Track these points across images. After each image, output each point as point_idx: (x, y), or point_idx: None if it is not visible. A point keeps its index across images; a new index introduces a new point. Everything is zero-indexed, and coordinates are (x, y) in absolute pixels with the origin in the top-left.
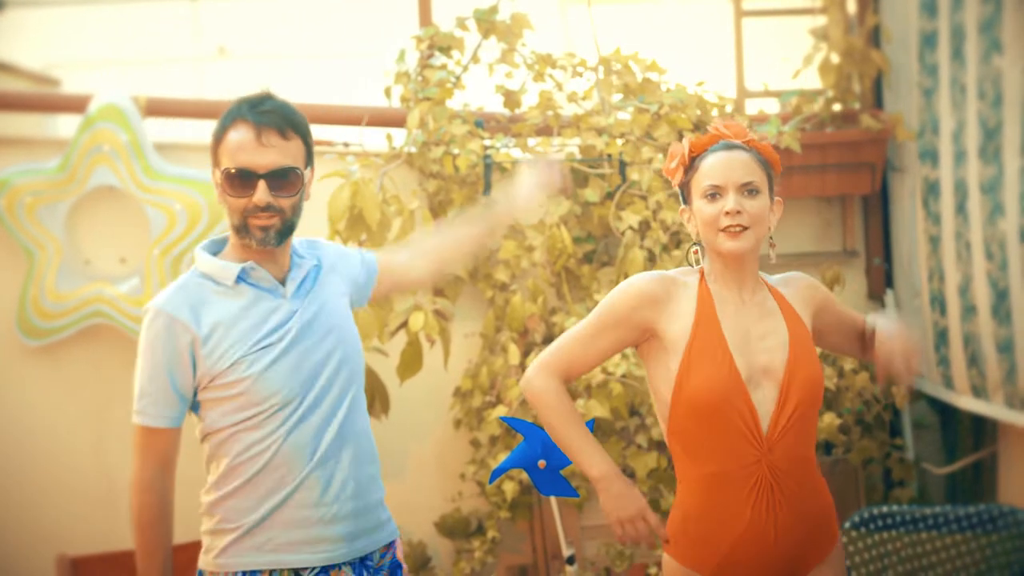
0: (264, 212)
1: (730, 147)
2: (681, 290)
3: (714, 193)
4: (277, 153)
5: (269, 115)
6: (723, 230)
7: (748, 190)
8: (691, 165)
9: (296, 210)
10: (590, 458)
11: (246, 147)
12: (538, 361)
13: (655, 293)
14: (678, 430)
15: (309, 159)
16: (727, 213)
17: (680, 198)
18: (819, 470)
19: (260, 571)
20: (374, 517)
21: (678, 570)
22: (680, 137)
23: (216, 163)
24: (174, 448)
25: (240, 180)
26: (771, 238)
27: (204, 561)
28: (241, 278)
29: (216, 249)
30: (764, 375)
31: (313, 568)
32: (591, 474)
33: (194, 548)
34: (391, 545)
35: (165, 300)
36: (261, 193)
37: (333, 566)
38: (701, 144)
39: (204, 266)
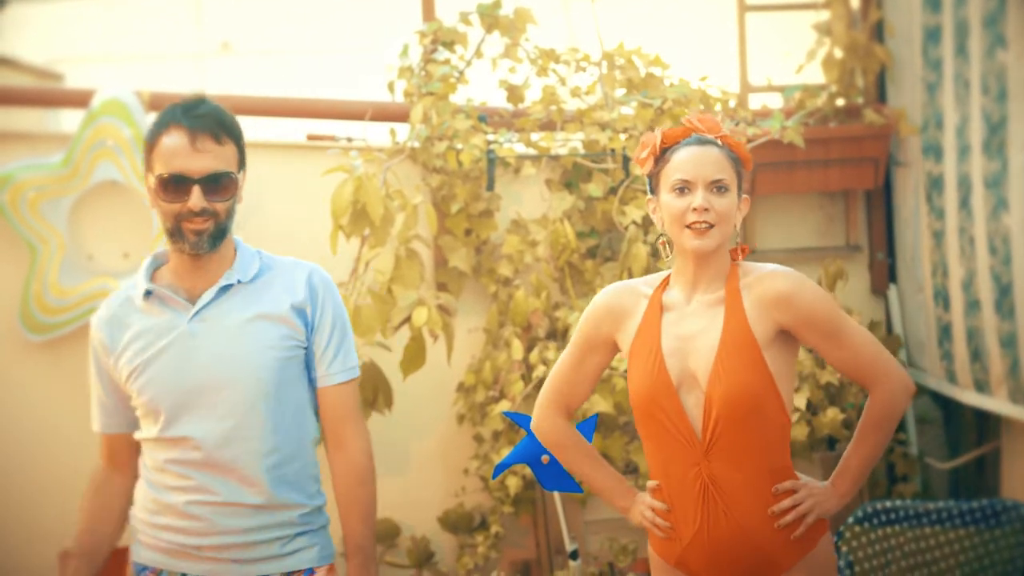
0: (198, 216)
1: (702, 142)
2: (638, 300)
3: (682, 188)
4: (211, 158)
5: (203, 119)
6: (689, 226)
7: (717, 187)
8: (662, 156)
9: (230, 214)
10: (612, 494)
11: (180, 152)
12: (538, 403)
13: (612, 306)
14: (638, 430)
15: (242, 162)
16: (694, 210)
17: (648, 188)
18: (777, 485)
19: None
20: (259, 549)
21: (652, 554)
22: None
23: (149, 168)
24: (121, 453)
25: (174, 185)
26: (738, 240)
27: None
28: (150, 292)
29: (157, 264)
30: (692, 380)
31: None
32: (619, 507)
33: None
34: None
35: (96, 316)
36: (196, 198)
37: None
38: (673, 136)
39: (136, 279)
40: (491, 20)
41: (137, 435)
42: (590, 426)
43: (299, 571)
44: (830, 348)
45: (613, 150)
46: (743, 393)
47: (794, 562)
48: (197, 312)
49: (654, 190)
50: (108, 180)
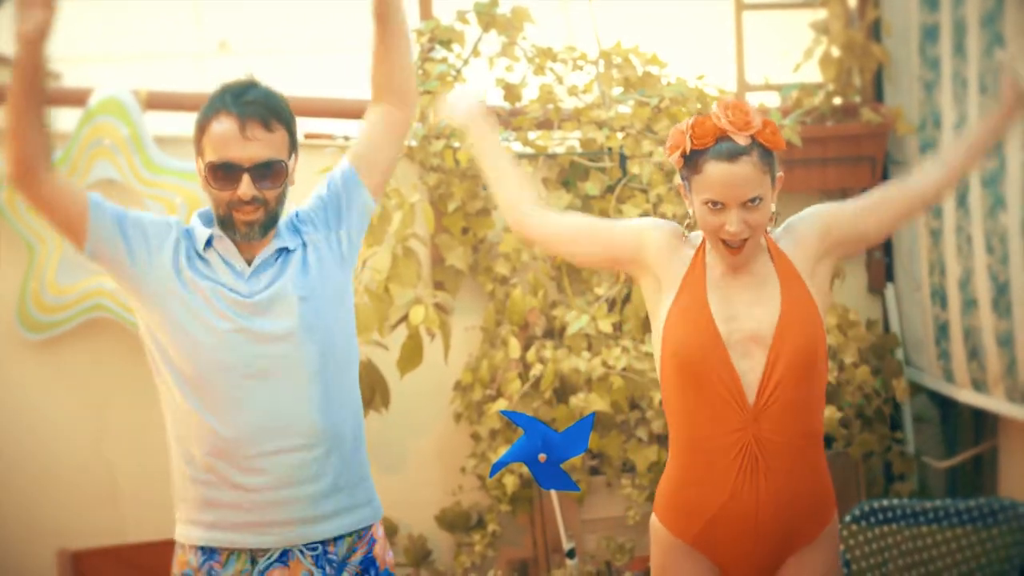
0: (249, 205)
1: (733, 156)
2: (684, 250)
3: (716, 206)
4: (261, 146)
5: (253, 106)
6: (723, 240)
7: (751, 203)
8: (691, 158)
9: (280, 200)
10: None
11: (230, 140)
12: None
13: (661, 241)
14: (666, 389)
15: (293, 147)
16: (729, 232)
17: (680, 177)
18: (822, 450)
19: (218, 548)
20: (319, 504)
21: (662, 534)
22: None
23: (200, 152)
24: (59, 188)
25: (224, 173)
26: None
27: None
28: (209, 244)
29: (207, 221)
30: (752, 342)
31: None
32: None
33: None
34: (365, 536)
35: (176, 220)
36: (246, 186)
37: (289, 552)
38: (703, 138)
39: (191, 224)
40: (488, 18)
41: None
42: (587, 425)
43: (358, 534)
44: (865, 214)
45: (610, 149)
46: (809, 351)
47: (816, 534)
48: (261, 273)
49: (684, 178)
50: (105, 179)
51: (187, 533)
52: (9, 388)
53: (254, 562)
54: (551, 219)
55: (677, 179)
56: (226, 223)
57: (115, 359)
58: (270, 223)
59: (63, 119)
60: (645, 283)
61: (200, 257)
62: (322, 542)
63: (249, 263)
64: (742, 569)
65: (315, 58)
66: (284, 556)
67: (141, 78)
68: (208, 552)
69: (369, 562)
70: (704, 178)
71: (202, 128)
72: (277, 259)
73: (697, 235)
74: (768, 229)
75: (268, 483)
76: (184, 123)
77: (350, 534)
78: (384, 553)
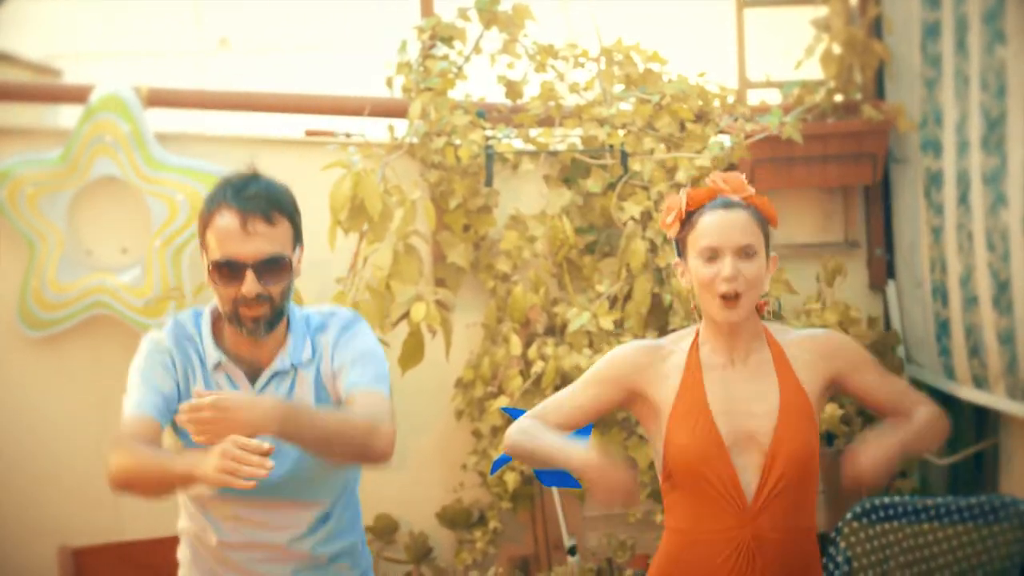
0: (254, 301)
1: (728, 205)
2: (669, 357)
3: (711, 255)
4: (263, 241)
5: (254, 200)
6: (720, 296)
7: (745, 252)
8: (688, 219)
9: (285, 295)
10: (567, 451)
11: (232, 236)
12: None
13: (640, 362)
14: (666, 491)
15: (297, 238)
16: (724, 279)
17: (675, 250)
18: (816, 541)
19: None
20: None
21: None
22: (682, 128)
23: (204, 248)
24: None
25: (228, 271)
26: (766, 296)
27: None
28: (219, 364)
29: (216, 317)
30: (749, 441)
31: None
32: (573, 464)
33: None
34: None
35: (165, 332)
36: (250, 284)
37: None
38: (698, 198)
39: (204, 330)
40: (489, 16)
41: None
42: (586, 428)
43: None
44: (879, 384)
45: (611, 146)
46: (804, 453)
47: None
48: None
49: (681, 253)
50: (106, 176)
51: None
52: (10, 385)
53: None
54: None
55: (674, 258)
56: (232, 319)
57: (116, 356)
58: (276, 318)
59: (64, 116)
60: (636, 409)
61: (204, 376)
62: None
63: (254, 375)
64: None
65: (315, 55)
66: None
67: (142, 75)
68: None
69: None
70: (699, 229)
71: (205, 222)
72: (285, 378)
73: (680, 336)
74: (766, 319)
75: None
76: (185, 120)
77: None
78: None
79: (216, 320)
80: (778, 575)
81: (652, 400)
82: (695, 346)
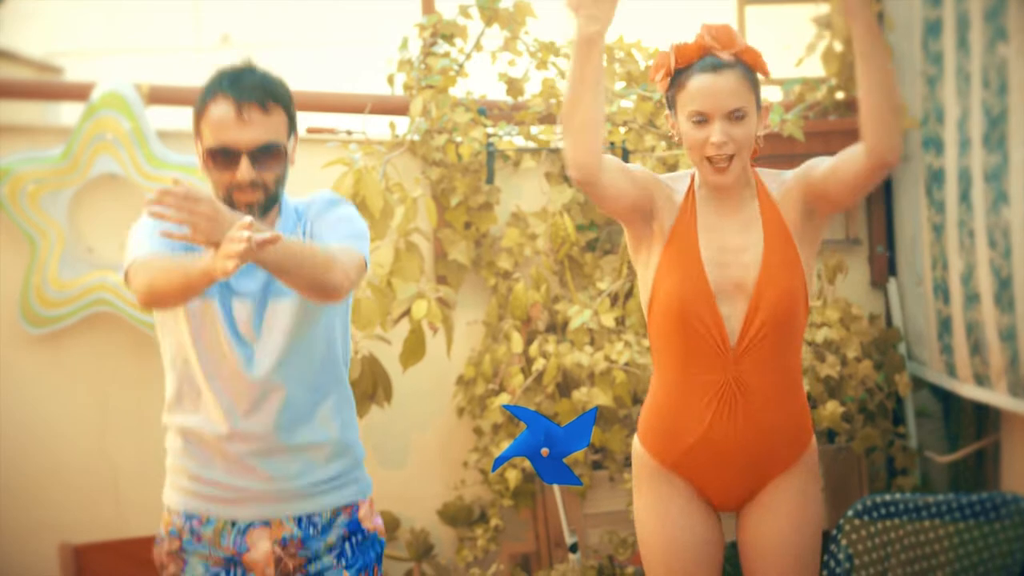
0: (248, 187)
1: (717, 67)
2: (671, 195)
3: (700, 119)
4: (259, 129)
5: (249, 89)
6: (708, 158)
7: (735, 115)
8: (677, 77)
9: (280, 182)
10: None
11: (227, 124)
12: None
13: (658, 184)
14: (652, 333)
15: (292, 128)
16: (714, 144)
17: (666, 104)
18: (799, 381)
19: (197, 514)
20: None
21: (643, 457)
22: None
23: (198, 137)
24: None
25: (223, 157)
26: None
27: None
28: None
29: None
30: (736, 289)
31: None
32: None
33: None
34: (350, 506)
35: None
36: (244, 170)
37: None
38: (687, 55)
39: None
40: (491, 13)
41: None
42: (589, 419)
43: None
44: (830, 171)
45: (612, 143)
46: (790, 300)
47: (795, 459)
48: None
49: (671, 107)
50: (108, 173)
51: (173, 498)
52: (11, 383)
53: (235, 523)
54: (607, 158)
55: (665, 112)
56: (226, 204)
57: (117, 353)
58: (270, 204)
59: (66, 113)
60: (637, 229)
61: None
62: None
63: None
64: (720, 493)
65: (316, 52)
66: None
67: (144, 72)
68: (190, 513)
69: (355, 525)
70: (688, 91)
71: (200, 113)
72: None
73: (676, 177)
74: (758, 170)
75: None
76: (186, 118)
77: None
78: (371, 518)
79: None
80: (759, 415)
81: (655, 225)
82: (691, 191)
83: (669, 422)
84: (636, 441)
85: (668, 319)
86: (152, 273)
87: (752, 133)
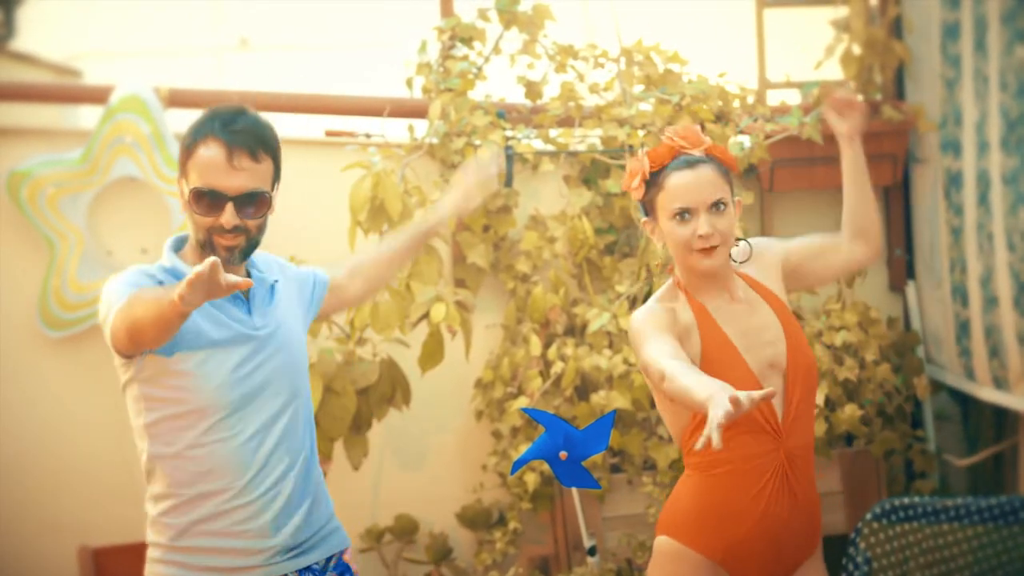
0: (230, 233)
1: (692, 163)
2: (678, 315)
3: (683, 214)
4: (247, 176)
5: (241, 135)
6: (696, 250)
7: (716, 207)
8: (653, 180)
9: (261, 229)
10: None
11: (216, 167)
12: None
13: (669, 317)
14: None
15: (277, 176)
16: (700, 236)
17: (642, 211)
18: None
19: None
20: (320, 529)
21: (683, 552)
22: (702, 129)
23: (184, 174)
24: None
25: (209, 200)
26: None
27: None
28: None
29: (178, 247)
30: (771, 368)
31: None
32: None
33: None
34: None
35: (146, 268)
36: (228, 215)
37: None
38: (660, 158)
39: (170, 263)
40: (509, 16)
41: (166, 419)
42: (608, 423)
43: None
44: (806, 240)
45: (631, 146)
46: (814, 368)
47: (818, 542)
48: (266, 307)
49: (648, 213)
50: (127, 176)
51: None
52: (30, 385)
53: None
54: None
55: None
56: (205, 247)
57: None
58: (249, 250)
59: (84, 116)
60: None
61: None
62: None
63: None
64: None
65: (335, 55)
66: None
67: (162, 75)
68: None
69: (344, 567)
70: (668, 190)
71: (188, 151)
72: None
73: (665, 295)
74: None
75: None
76: None
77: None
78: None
79: (183, 253)
80: (806, 489)
81: (687, 346)
82: (690, 297)
83: (719, 516)
84: (667, 539)
85: None
86: (133, 307)
87: (733, 224)
